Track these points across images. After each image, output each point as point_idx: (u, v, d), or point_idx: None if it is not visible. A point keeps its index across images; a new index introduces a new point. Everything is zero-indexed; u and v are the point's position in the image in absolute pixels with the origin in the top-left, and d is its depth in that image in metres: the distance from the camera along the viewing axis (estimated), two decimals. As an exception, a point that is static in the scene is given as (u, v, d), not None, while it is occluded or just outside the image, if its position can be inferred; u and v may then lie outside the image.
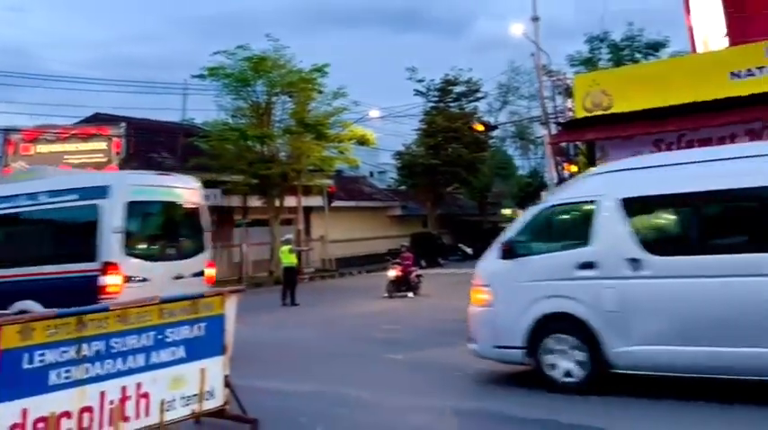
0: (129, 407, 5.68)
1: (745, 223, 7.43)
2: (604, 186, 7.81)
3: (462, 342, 8.40)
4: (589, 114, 14.04)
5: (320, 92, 26.64)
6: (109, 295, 9.94)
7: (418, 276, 20.69)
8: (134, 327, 5.76)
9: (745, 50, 13.06)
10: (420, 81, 38.61)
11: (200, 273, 11.45)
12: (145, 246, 11.50)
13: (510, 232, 8.47)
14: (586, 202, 7.95)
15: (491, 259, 8.42)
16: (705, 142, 12.91)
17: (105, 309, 5.69)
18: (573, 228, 8.45)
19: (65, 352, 5.32)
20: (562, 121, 17.69)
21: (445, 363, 9.25)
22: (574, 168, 20.80)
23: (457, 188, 43.14)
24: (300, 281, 24.90)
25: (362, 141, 30.92)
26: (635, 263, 7.05)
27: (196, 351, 6.17)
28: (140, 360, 5.77)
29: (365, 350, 10.79)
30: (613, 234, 7.37)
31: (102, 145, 25.40)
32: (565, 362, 7.25)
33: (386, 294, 19.96)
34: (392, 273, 20.29)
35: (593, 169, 9.41)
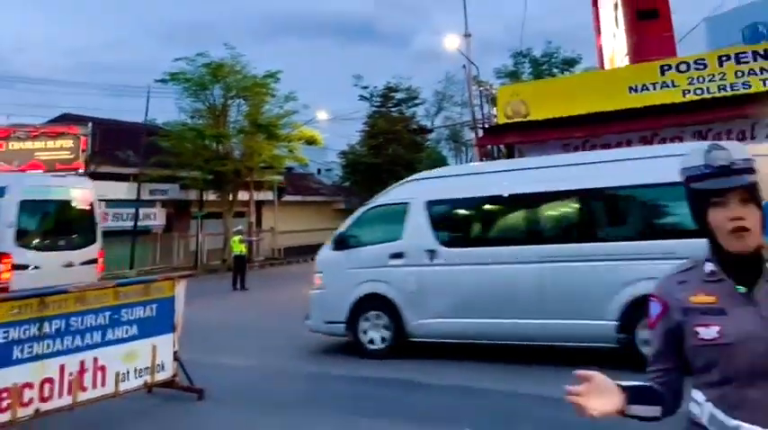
0: (87, 379, 5.68)
1: (509, 222, 8.58)
2: (414, 191, 8.85)
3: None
4: (509, 121, 14.36)
5: (273, 96, 26.44)
6: (1, 280, 10.60)
7: None
8: (92, 308, 5.73)
9: (641, 68, 13.54)
10: (365, 88, 38.54)
11: (92, 261, 12.24)
12: (38, 238, 12.11)
13: (341, 228, 9.46)
14: (400, 204, 8.79)
15: (326, 250, 9.47)
16: (605, 147, 13.28)
17: (65, 292, 5.62)
18: (390, 224, 8.94)
19: (27, 329, 5.26)
20: (486, 127, 18.03)
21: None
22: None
23: (395, 182, 43.30)
24: (251, 268, 24.69)
25: (311, 141, 30.87)
26: (432, 253, 8.12)
27: (148, 329, 6.16)
28: (97, 337, 5.75)
29: (298, 328, 10.86)
30: (418, 230, 8.36)
31: (70, 143, 24.58)
32: (375, 333, 8.31)
33: None
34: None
35: (408, 178, 10.05)
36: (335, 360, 8.32)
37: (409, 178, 9.94)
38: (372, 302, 8.40)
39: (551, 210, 8.20)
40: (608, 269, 6.97)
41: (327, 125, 36.65)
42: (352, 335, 8.39)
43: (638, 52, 15.26)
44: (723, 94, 11.93)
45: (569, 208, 8.10)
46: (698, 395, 1.50)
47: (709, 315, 1.44)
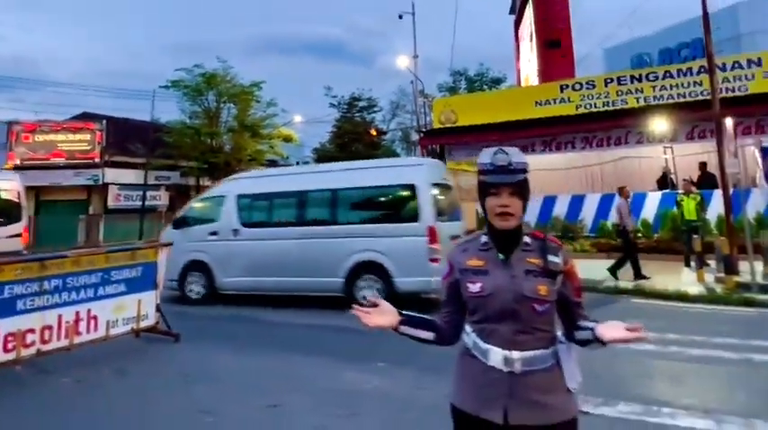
0: (82, 326, 5.71)
1: (283, 210, 9.73)
2: (230, 187, 10.18)
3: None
4: (442, 126, 14.63)
5: (257, 101, 26.19)
6: None
7: None
8: (86, 269, 5.73)
9: (545, 87, 13.95)
10: (334, 97, 38.43)
11: (17, 235, 12.93)
12: None
13: (180, 212, 10.85)
14: (219, 196, 10.07)
15: (168, 228, 10.60)
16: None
17: (64, 256, 5.62)
18: (211, 211, 10.10)
19: (29, 286, 5.26)
20: (425, 130, 18.22)
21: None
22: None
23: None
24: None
25: (288, 139, 30.63)
26: (235, 231, 9.35)
27: (134, 287, 6.19)
28: (90, 292, 5.77)
29: None
30: (228, 215, 9.57)
31: (88, 136, 23.92)
32: (196, 286, 9.41)
33: None
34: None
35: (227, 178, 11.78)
36: (286, 310, 8.55)
37: (228, 178, 11.54)
38: (195, 266, 9.49)
39: (309, 203, 9.44)
40: (341, 243, 8.38)
41: (302, 126, 36.43)
42: (180, 289, 9.45)
43: (545, 74, 15.69)
44: (606, 108, 12.38)
45: (320, 201, 9.33)
46: (468, 329, 1.70)
47: (477, 274, 1.63)
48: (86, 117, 26.02)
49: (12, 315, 5.09)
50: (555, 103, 13.00)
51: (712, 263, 9.60)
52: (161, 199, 26.74)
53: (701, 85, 11.59)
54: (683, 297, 8.09)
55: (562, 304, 1.66)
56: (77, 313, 5.61)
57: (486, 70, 39.03)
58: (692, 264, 9.79)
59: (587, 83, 12.82)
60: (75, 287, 5.59)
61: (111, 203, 24.93)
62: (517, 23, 21.56)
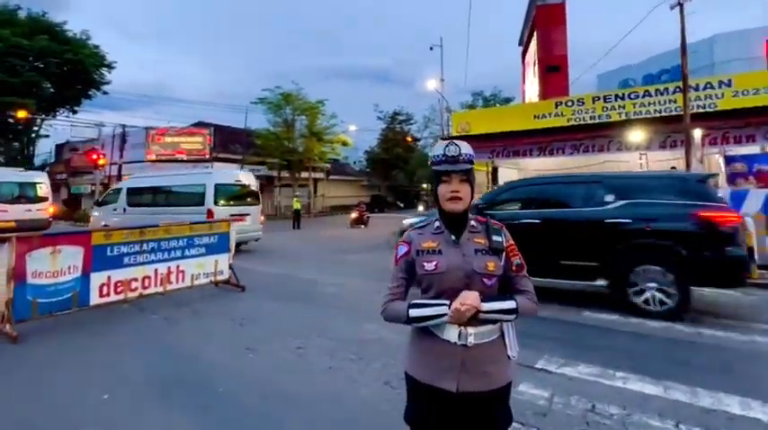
0: (173, 277, 5.72)
1: (152, 198, 11.65)
2: (124, 184, 12.37)
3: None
4: (458, 134, 14.05)
5: (323, 114, 26.31)
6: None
7: (367, 217, 20.53)
8: (174, 236, 5.72)
9: (542, 104, 13.15)
10: (380, 112, 38.52)
11: (42, 210, 13.96)
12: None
13: (100, 197, 13.41)
14: (119, 188, 12.23)
15: (95, 207, 13.16)
16: (515, 153, 13.04)
17: (157, 226, 5.64)
18: (114, 197, 12.13)
19: (133, 247, 5.29)
20: (443, 138, 17.58)
21: (360, 262, 9.33)
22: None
23: (397, 172, 42.98)
24: (310, 217, 24.79)
25: (344, 144, 30.53)
26: (124, 209, 11.59)
27: (212, 250, 6.17)
28: (179, 253, 5.77)
29: (324, 254, 10.84)
30: (122, 199, 11.80)
31: (201, 139, 24.67)
32: None
33: (349, 226, 19.87)
34: (353, 215, 20.29)
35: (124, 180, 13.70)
36: (339, 275, 8.04)
37: (124, 181, 13.28)
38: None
39: (158, 193, 11.58)
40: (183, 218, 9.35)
41: (356, 134, 36.53)
42: None
43: (545, 94, 14.75)
44: (593, 121, 11.47)
45: (163, 192, 11.46)
46: None
47: (432, 254, 1.44)
48: (200, 124, 26.76)
49: (120, 267, 5.15)
50: (550, 116, 12.17)
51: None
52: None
53: (675, 102, 10.52)
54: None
55: (504, 278, 1.47)
56: (169, 268, 5.65)
57: (498, 92, 38.15)
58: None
59: (578, 100, 11.90)
60: (166, 248, 5.61)
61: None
62: (524, 52, 20.40)
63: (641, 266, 4.88)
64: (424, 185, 42.38)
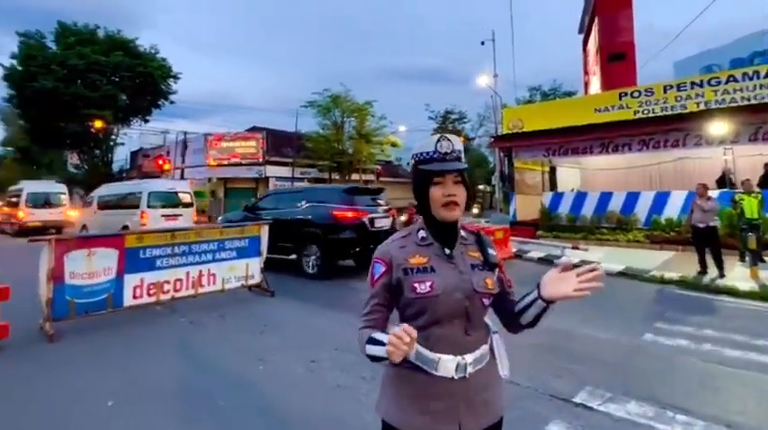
0: (204, 280, 5.76)
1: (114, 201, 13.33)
2: (98, 192, 14.59)
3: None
4: (509, 131, 13.32)
5: (372, 116, 26.34)
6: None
7: (417, 220, 20.17)
8: (205, 239, 5.77)
9: (605, 95, 12.05)
10: (432, 111, 37.93)
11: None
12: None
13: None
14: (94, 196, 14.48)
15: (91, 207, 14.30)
16: (574, 150, 12.07)
17: (188, 229, 5.76)
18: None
19: (165, 250, 5.41)
20: (495, 136, 16.79)
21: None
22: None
23: (450, 173, 42.18)
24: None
25: (394, 145, 30.38)
26: (95, 211, 13.73)
27: (243, 253, 6.16)
28: (210, 256, 5.81)
29: (369, 256, 10.65)
30: (95, 204, 14.00)
31: (254, 143, 25.72)
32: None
33: (398, 229, 19.57)
34: (403, 217, 20.06)
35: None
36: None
37: (98, 190, 14.87)
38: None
39: (123, 198, 13.28)
40: (122, 214, 12.78)
41: (407, 134, 36.02)
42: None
43: (609, 85, 13.52)
44: (664, 113, 10.25)
45: (125, 197, 13.50)
46: None
47: (424, 273, 1.18)
48: (254, 129, 27.90)
49: (153, 270, 5.29)
50: (613, 109, 11.06)
51: (769, 260, 7.53)
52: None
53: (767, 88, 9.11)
54: (732, 292, 6.17)
55: (499, 297, 1.27)
56: (200, 271, 5.73)
57: (558, 85, 35.91)
58: (747, 259, 7.74)
59: (646, 90, 10.69)
60: (197, 252, 5.69)
61: (272, 190, 26.69)
62: (585, 41, 18.93)
63: (308, 245, 7.75)
64: (480, 187, 41.12)
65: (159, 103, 30.28)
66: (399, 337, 0.98)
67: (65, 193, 18.09)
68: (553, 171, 15.47)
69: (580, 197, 12.09)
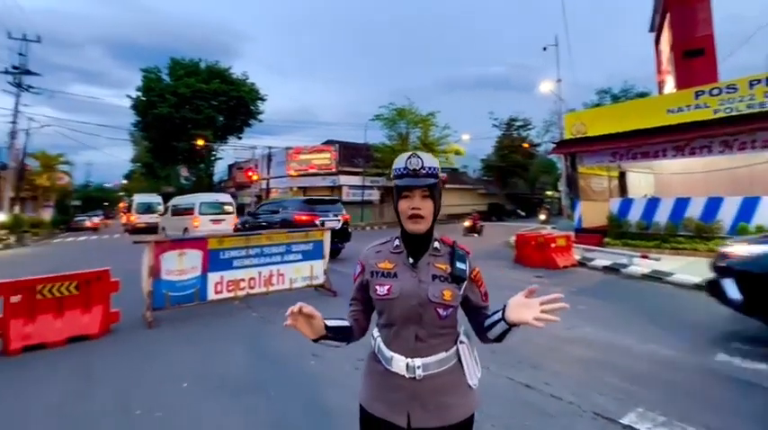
0: (274, 279, 6.10)
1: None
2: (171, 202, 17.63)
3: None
4: (572, 137, 12.41)
5: (436, 126, 26.20)
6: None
7: (481, 226, 19.49)
8: (275, 243, 6.10)
9: (679, 94, 10.72)
10: (495, 119, 36.58)
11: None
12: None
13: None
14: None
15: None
16: (644, 154, 10.92)
17: (260, 234, 6.13)
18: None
19: (241, 251, 5.81)
20: (557, 141, 15.69)
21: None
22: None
23: (516, 179, 40.22)
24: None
25: (458, 153, 29.82)
26: (166, 217, 16.93)
27: (308, 256, 6.41)
28: (278, 258, 6.13)
29: None
30: (169, 210, 16.58)
31: (328, 155, 26.84)
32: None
33: (462, 234, 19.11)
34: (466, 223, 19.56)
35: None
36: None
37: (171, 200, 17.84)
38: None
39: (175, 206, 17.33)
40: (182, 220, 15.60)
41: (472, 142, 35.16)
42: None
43: (684, 83, 11.99)
44: (751, 110, 8.85)
45: (175, 206, 17.44)
46: (375, 332, 1.35)
47: (386, 277, 1.27)
48: (328, 142, 29.16)
49: (231, 269, 5.74)
50: (689, 109, 9.76)
51: None
52: (374, 195, 28.65)
53: None
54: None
55: (472, 309, 1.32)
56: (270, 271, 6.10)
57: (629, 87, 32.58)
58: None
59: (728, 87, 9.27)
60: (268, 254, 6.07)
61: (344, 198, 27.60)
62: (657, 39, 16.98)
63: None
64: (548, 193, 38.70)
65: (250, 122, 32.91)
66: (291, 309, 1.18)
67: (160, 203, 23.08)
68: (623, 176, 14.12)
69: (652, 203, 10.87)
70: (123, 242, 18.00)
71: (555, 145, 14.23)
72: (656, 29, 16.75)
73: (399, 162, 1.25)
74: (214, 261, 5.59)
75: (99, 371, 3.70)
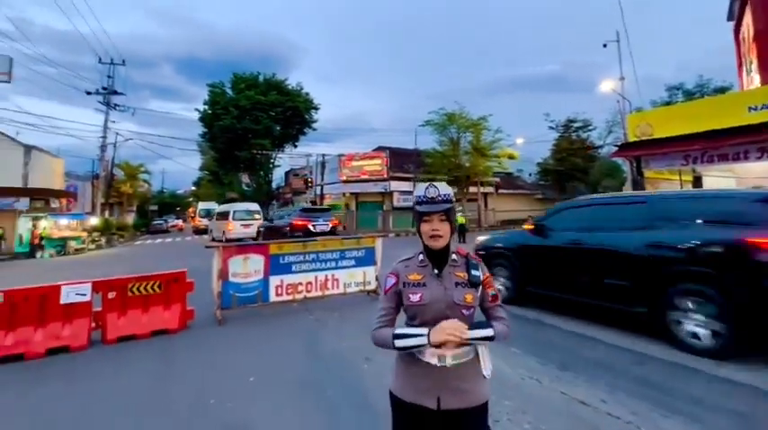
0: (329, 284, 6.40)
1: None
2: (223, 207, 22.40)
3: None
4: (636, 139, 11.65)
5: (488, 129, 25.67)
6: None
7: None
8: (329, 249, 6.42)
9: (762, 90, 9.72)
10: (552, 121, 34.80)
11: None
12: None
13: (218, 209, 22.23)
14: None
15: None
16: (722, 158, 10.00)
17: (315, 241, 6.49)
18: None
19: (298, 257, 6.20)
20: (618, 144, 14.71)
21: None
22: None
23: (576, 183, 38.05)
24: (477, 230, 24.36)
25: (511, 157, 28.95)
26: (210, 220, 23.81)
27: (360, 263, 6.64)
28: (333, 264, 6.42)
29: None
30: (213, 215, 22.77)
31: (378, 162, 27.30)
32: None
33: None
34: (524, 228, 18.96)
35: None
36: None
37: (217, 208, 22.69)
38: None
39: (220, 212, 22.71)
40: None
41: (526, 145, 33.93)
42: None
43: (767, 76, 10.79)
44: None
45: (220, 212, 22.26)
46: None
47: (417, 287, 1.52)
48: (379, 149, 29.65)
49: (290, 273, 6.15)
50: (775, 106, 8.84)
51: None
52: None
53: None
54: None
55: (482, 309, 1.60)
56: (326, 276, 6.42)
57: (705, 81, 29.15)
58: None
59: (827, 80, 8.31)
60: (323, 259, 6.40)
61: (395, 203, 27.92)
62: (737, 29, 15.39)
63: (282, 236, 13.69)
64: (612, 197, 36.10)
65: (304, 130, 34.43)
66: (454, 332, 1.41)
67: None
68: (698, 180, 12.96)
69: (733, 210, 9.88)
70: (195, 244, 19.79)
71: (617, 148, 13.43)
72: (736, 17, 15.21)
73: (419, 191, 1.54)
74: (275, 265, 6.02)
75: (178, 361, 4.19)
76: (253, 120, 30.44)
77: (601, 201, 5.60)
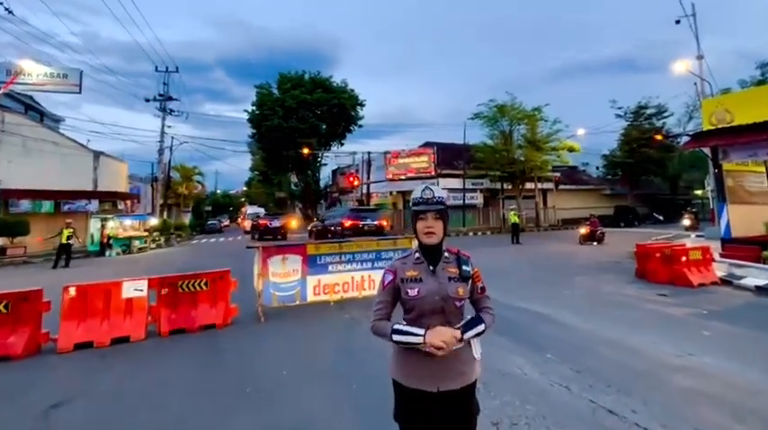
0: (365, 284, 6.77)
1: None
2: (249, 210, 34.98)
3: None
4: (712, 127, 10.80)
5: (545, 120, 24.78)
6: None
7: (602, 233, 17.80)
8: (365, 250, 6.79)
9: None
10: (620, 108, 32.57)
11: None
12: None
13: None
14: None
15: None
16: (822, 145, 9.04)
17: (350, 241, 6.86)
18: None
19: (334, 257, 6.61)
20: (692, 134, 13.58)
21: (579, 285, 8.42)
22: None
23: (650, 177, 35.41)
24: (535, 231, 23.68)
25: (571, 150, 27.70)
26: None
27: (397, 263, 6.98)
28: (369, 264, 6.77)
29: (534, 272, 10.20)
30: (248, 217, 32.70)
31: (426, 158, 27.36)
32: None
33: (578, 242, 17.80)
34: (582, 230, 18.13)
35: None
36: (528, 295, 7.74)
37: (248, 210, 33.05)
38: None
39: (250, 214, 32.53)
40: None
41: (589, 136, 32.35)
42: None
43: None
44: None
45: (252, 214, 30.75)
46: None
47: (414, 282, 1.73)
48: (426, 145, 29.72)
49: (326, 273, 6.58)
50: None
51: None
52: (477, 198, 28.32)
53: None
54: None
55: (471, 300, 1.81)
56: (362, 276, 6.78)
57: None
58: None
59: None
60: (359, 260, 6.77)
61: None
62: None
63: (330, 236, 17.53)
64: (698, 192, 33.33)
65: (351, 127, 35.35)
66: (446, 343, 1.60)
67: (263, 212, 33.37)
68: (794, 172, 11.76)
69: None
70: (238, 243, 21.39)
71: (690, 137, 12.49)
72: None
73: (416, 193, 1.78)
74: (312, 265, 6.48)
75: (224, 354, 4.74)
76: (299, 119, 31.82)
77: None
